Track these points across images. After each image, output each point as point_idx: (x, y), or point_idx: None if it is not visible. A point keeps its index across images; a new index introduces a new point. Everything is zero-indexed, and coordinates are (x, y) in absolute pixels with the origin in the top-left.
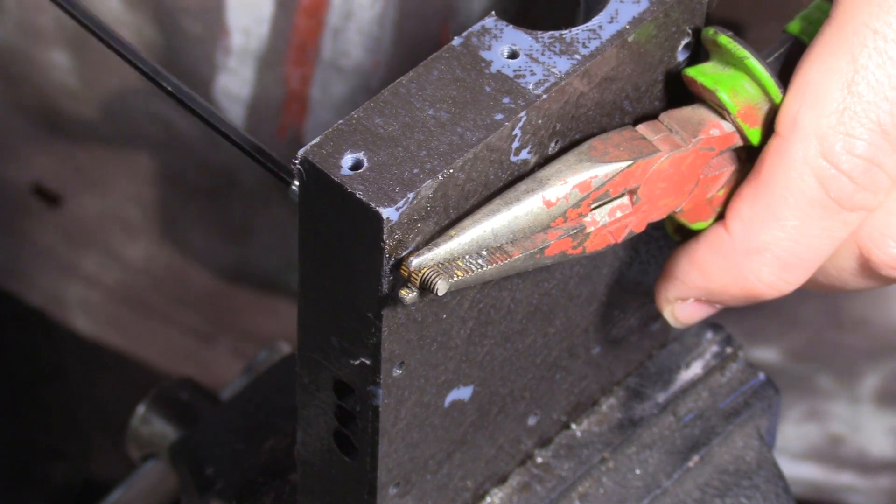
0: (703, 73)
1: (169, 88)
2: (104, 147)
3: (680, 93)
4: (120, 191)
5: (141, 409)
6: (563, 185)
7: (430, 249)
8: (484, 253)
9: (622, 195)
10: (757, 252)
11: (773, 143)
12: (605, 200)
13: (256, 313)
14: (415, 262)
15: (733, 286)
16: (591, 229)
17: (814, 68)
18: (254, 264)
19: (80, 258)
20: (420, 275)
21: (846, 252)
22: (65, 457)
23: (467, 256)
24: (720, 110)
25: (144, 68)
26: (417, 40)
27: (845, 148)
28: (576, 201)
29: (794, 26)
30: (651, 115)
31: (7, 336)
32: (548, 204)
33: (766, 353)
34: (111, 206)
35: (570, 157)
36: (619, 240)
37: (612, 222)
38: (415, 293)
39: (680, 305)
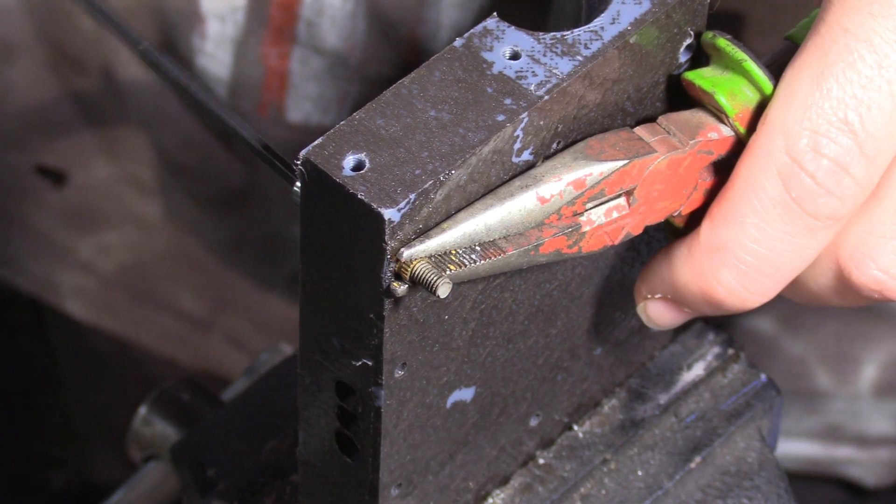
0: (702, 77)
1: (178, 80)
2: (107, 124)
3: (682, 94)
4: (119, 169)
5: (142, 411)
6: (557, 182)
7: (421, 241)
8: (477, 248)
9: (618, 196)
10: (717, 250)
11: (749, 141)
12: (602, 200)
13: (254, 293)
14: (406, 253)
15: (693, 284)
16: (586, 229)
17: (790, 65)
18: (255, 227)
19: (76, 243)
20: (410, 267)
21: (826, 270)
22: (63, 463)
23: (460, 251)
24: (719, 114)
25: (156, 62)
26: (390, 34)
27: (810, 145)
28: (570, 198)
29: (795, 34)
30: (653, 117)
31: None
32: (542, 200)
33: (759, 321)
34: (111, 185)
35: (565, 156)
36: (616, 241)
37: (608, 223)
38: (406, 286)
39: (651, 302)
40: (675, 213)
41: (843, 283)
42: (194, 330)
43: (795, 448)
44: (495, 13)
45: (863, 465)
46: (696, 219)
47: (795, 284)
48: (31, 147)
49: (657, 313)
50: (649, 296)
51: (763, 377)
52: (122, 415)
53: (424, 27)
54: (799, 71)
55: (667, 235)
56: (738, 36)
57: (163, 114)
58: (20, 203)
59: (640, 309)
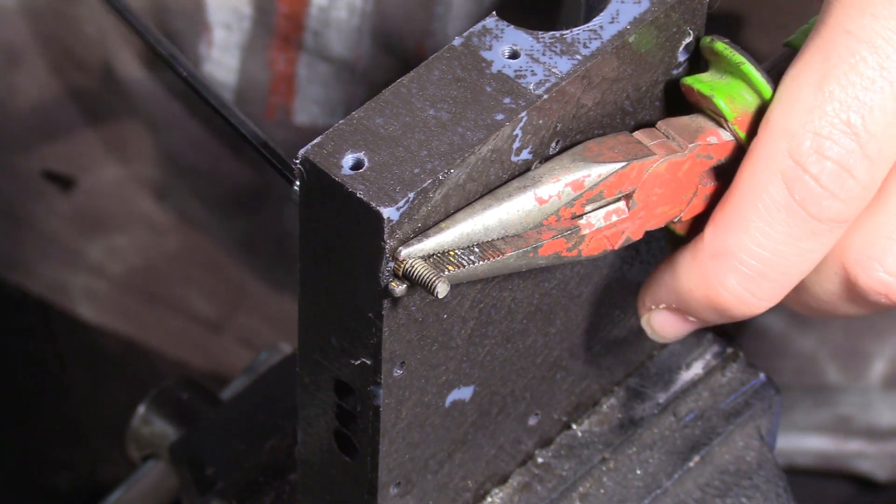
0: (700, 81)
1: (184, 75)
2: (114, 126)
3: (681, 100)
4: (127, 171)
5: (141, 409)
6: (555, 183)
7: (419, 241)
8: (476, 249)
9: (618, 199)
10: (722, 256)
11: (751, 145)
12: (601, 203)
13: (266, 293)
14: (404, 252)
15: (698, 291)
16: (585, 232)
17: (790, 69)
18: (266, 227)
19: (85, 246)
20: (408, 266)
21: (832, 275)
22: (71, 466)
23: (459, 251)
24: (718, 118)
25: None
26: (396, 47)
27: (814, 148)
28: (568, 200)
29: (794, 40)
30: (652, 117)
31: (9, 330)
32: (540, 201)
33: (769, 319)
34: (119, 188)
35: (564, 158)
36: (616, 246)
37: (607, 226)
38: (404, 285)
39: (655, 313)
40: (676, 220)
41: (850, 288)
42: (206, 331)
43: (806, 442)
44: (494, 12)
45: (873, 459)
46: (696, 226)
47: (803, 293)
48: (39, 151)
49: (662, 324)
50: (653, 307)
51: (762, 376)
52: (129, 415)
53: (431, 39)
54: (800, 74)
55: (668, 245)
56: (740, 37)
57: (170, 115)
58: (29, 207)
59: (644, 322)
